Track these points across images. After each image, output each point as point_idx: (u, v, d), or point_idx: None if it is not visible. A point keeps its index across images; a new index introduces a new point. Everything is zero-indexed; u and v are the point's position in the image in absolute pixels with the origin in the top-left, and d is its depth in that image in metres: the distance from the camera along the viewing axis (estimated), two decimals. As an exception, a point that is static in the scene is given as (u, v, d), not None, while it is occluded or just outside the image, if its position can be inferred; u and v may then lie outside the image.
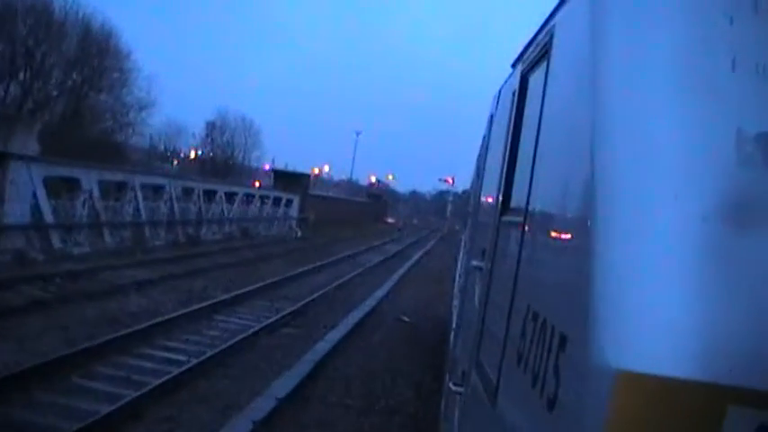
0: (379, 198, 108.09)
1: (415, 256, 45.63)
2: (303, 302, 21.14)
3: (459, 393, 4.44)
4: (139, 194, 29.50)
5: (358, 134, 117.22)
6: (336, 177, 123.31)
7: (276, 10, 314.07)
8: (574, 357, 1.82)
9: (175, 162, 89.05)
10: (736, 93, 1.86)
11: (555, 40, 2.90)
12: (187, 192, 35.79)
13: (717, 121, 1.83)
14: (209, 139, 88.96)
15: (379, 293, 24.91)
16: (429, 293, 27.12)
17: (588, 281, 1.75)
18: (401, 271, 34.43)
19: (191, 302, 19.15)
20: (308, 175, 62.36)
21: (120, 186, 28.88)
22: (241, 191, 43.41)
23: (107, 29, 50.86)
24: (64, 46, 48.06)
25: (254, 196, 45.67)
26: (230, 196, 42.27)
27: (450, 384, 4.84)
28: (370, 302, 22.47)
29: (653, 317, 1.64)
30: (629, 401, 1.58)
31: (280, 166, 66.80)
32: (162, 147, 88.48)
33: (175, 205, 33.21)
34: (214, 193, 39.14)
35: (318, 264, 32.27)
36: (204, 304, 18.96)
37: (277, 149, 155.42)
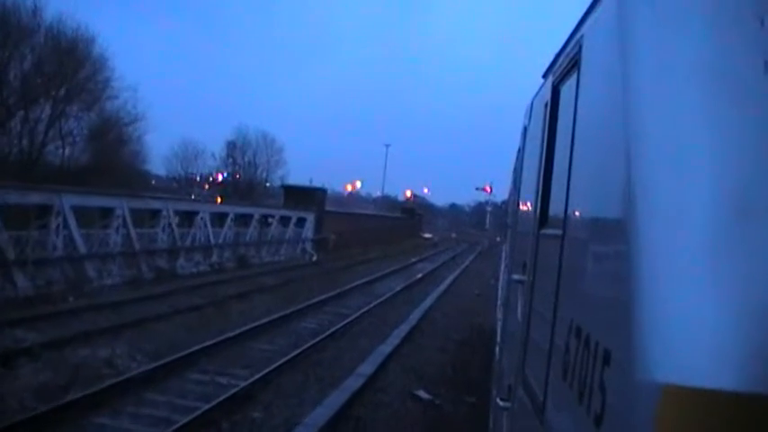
0: (412, 212, 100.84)
1: (448, 279, 37.97)
2: (252, 379, 13.60)
3: (506, 409, 4.44)
4: (71, 220, 22.19)
5: (387, 147, 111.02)
6: (370, 193, 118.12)
7: (294, 24, 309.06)
8: (618, 372, 1.79)
9: (206, 186, 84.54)
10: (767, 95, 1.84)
11: (584, 50, 2.92)
12: (155, 215, 28.57)
13: (749, 123, 1.82)
14: (230, 160, 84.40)
15: (386, 348, 17.23)
16: (462, 337, 19.53)
17: (629, 294, 1.74)
18: (427, 302, 26.79)
19: (53, 397, 11.70)
20: (324, 190, 54.77)
21: (43, 211, 21.64)
22: (232, 211, 36.00)
23: (78, 33, 44.10)
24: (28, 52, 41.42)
25: (250, 216, 38.25)
26: (220, 218, 35.00)
27: (498, 400, 4.85)
28: (365, 368, 14.83)
29: (697, 329, 1.62)
30: (676, 416, 1.55)
31: (306, 182, 59.70)
32: (179, 170, 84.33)
33: (132, 231, 25.89)
34: (194, 214, 31.80)
35: (317, 299, 24.86)
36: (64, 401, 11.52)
37: (304, 167, 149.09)
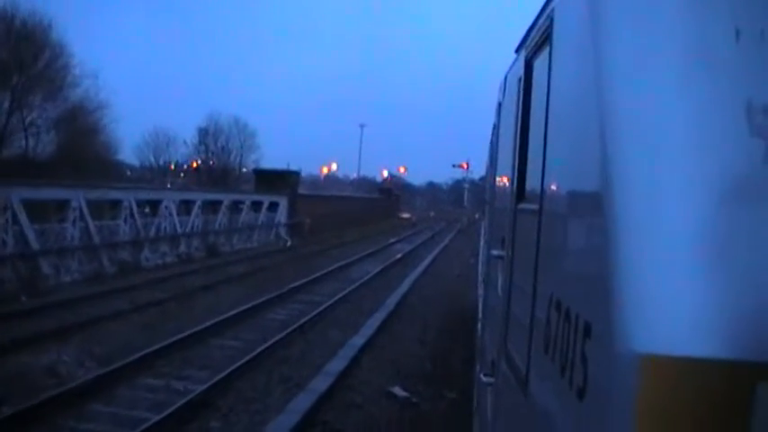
0: (389, 192, 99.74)
1: (428, 259, 36.84)
2: (211, 382, 12.33)
3: (490, 384, 4.43)
4: (21, 215, 20.71)
5: (362, 127, 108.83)
6: (347, 175, 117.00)
7: (263, 7, 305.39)
8: (599, 344, 1.80)
9: (182, 175, 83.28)
10: (741, 63, 1.84)
11: (556, 24, 2.90)
12: (115, 206, 27.05)
13: (724, 94, 1.81)
14: (203, 146, 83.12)
15: (359, 340, 15.97)
16: (441, 323, 18.37)
17: (606, 266, 1.75)
18: (404, 286, 25.59)
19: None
20: (297, 173, 53.25)
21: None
22: (198, 198, 34.47)
23: (34, 18, 42.21)
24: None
25: (220, 203, 36.73)
26: (186, 205, 33.51)
27: (481, 375, 4.85)
28: (336, 365, 13.58)
29: (674, 298, 1.62)
30: (657, 385, 1.57)
31: (283, 167, 57.93)
32: (151, 159, 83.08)
33: (90, 224, 24.41)
34: (158, 203, 30.28)
35: (289, 287, 23.59)
36: None
37: (279, 152, 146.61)
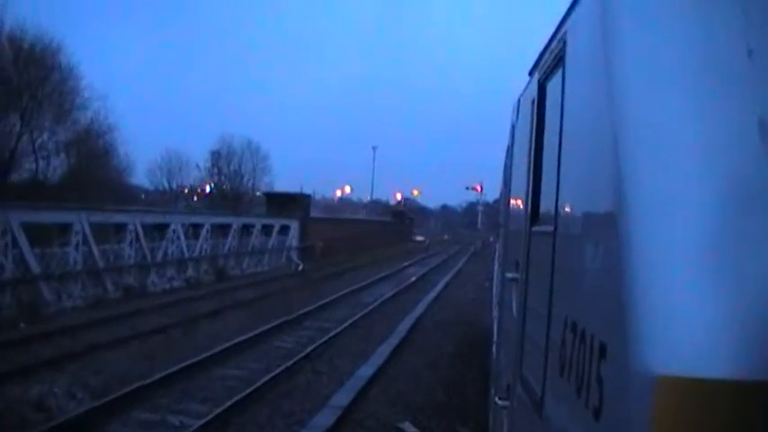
0: (403, 215, 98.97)
1: (441, 283, 36.03)
2: (208, 418, 11.55)
3: (505, 407, 4.38)
4: (21, 239, 20.09)
5: (375, 149, 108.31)
6: (361, 198, 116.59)
7: (275, 30, 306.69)
8: (615, 365, 1.80)
9: (195, 198, 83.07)
10: (754, 80, 1.85)
11: (569, 46, 2.94)
12: (120, 229, 26.39)
13: (736, 113, 1.82)
14: (216, 170, 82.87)
15: (367, 370, 15.16)
16: (455, 350, 17.58)
17: (621, 287, 1.75)
18: (417, 311, 24.80)
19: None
20: (309, 196, 52.68)
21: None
22: (207, 221, 33.81)
23: (42, 41, 41.93)
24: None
25: (229, 226, 36.06)
26: (195, 229, 32.87)
27: (496, 399, 4.83)
28: (342, 398, 12.77)
29: (689, 319, 1.62)
30: (672, 405, 1.56)
31: (296, 190, 57.21)
32: (165, 182, 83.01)
33: (94, 248, 23.76)
34: (164, 227, 29.63)
35: (298, 313, 22.85)
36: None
37: (292, 175, 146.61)
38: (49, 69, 42.58)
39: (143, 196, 76.21)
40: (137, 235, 26.69)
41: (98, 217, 24.55)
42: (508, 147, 7.40)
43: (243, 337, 18.30)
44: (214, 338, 18.22)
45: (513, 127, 6.21)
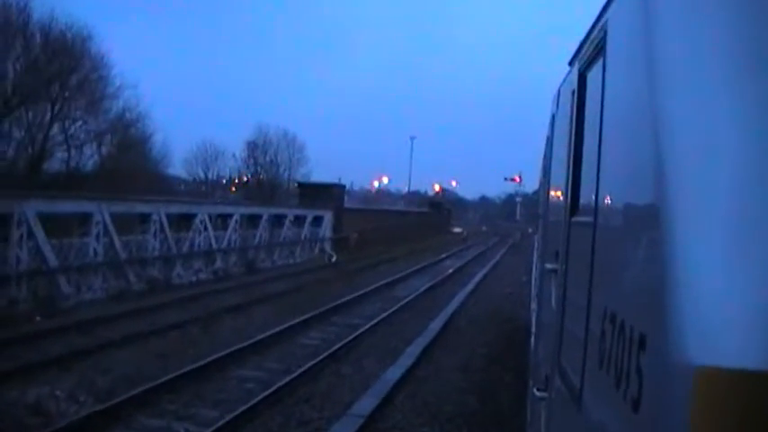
0: (440, 206, 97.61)
1: (478, 276, 34.78)
2: (218, 425, 10.56)
3: (543, 399, 4.39)
4: (37, 230, 19.29)
5: (413, 139, 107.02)
6: (399, 189, 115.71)
7: (311, 18, 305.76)
8: (654, 357, 1.77)
9: (233, 189, 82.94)
10: None
11: (609, 36, 2.92)
12: (144, 220, 25.55)
13: None
14: (252, 160, 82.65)
15: (395, 372, 14.05)
16: (490, 350, 16.43)
17: (662, 277, 1.73)
18: (451, 306, 23.63)
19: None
20: (343, 187, 51.62)
21: (2, 221, 18.75)
22: (236, 212, 32.88)
23: (73, 30, 41.41)
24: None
25: (260, 217, 35.13)
26: (223, 220, 32.01)
27: (534, 390, 4.84)
28: (365, 404, 11.68)
29: (732, 309, 1.58)
30: (714, 397, 1.52)
31: (334, 180, 56.05)
32: (200, 172, 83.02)
33: (115, 239, 22.95)
34: (192, 217, 28.75)
35: (327, 307, 21.86)
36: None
37: (329, 166, 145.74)
38: (78, 58, 41.93)
39: (182, 187, 76.13)
40: (161, 225, 25.83)
41: (119, 207, 23.72)
42: (548, 137, 7.30)
43: (266, 334, 17.34)
44: (235, 335, 17.30)
45: (552, 117, 6.17)
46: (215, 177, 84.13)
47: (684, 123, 1.85)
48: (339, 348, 16.14)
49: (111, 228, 22.60)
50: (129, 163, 50.81)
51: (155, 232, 25.61)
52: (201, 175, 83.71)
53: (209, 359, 14.37)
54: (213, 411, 11.53)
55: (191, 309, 20.97)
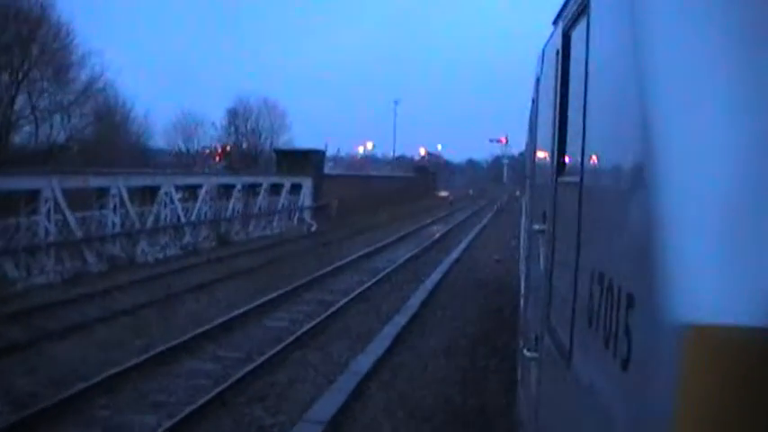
0: (425, 171, 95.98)
1: (463, 243, 33.11)
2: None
3: (534, 359, 4.37)
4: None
5: (396, 103, 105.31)
6: (385, 154, 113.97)
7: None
8: (642, 315, 1.79)
9: (218, 159, 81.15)
10: None
11: None
12: (102, 194, 23.60)
13: (766, 61, 1.78)
14: (233, 128, 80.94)
15: (366, 359, 12.37)
16: (476, 329, 14.81)
17: (648, 237, 1.74)
18: (434, 277, 21.99)
19: None
20: (322, 152, 49.44)
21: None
22: (205, 182, 30.93)
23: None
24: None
25: (232, 187, 33.22)
26: (193, 192, 30.12)
27: (525, 351, 4.82)
28: (329, 403, 10.00)
29: (717, 267, 1.60)
30: (701, 355, 1.54)
31: (320, 147, 53.95)
32: (180, 144, 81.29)
33: (69, 216, 21.07)
34: (155, 190, 26.82)
35: (300, 282, 20.20)
36: None
37: (312, 132, 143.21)
38: (35, 26, 39.65)
39: (171, 158, 74.30)
40: (121, 200, 23.93)
41: (73, 182, 21.78)
42: (533, 98, 7.18)
43: (228, 316, 15.68)
44: (194, 319, 15.61)
45: (537, 78, 6.12)
46: (196, 149, 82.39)
47: (669, 81, 1.84)
48: (307, 331, 14.47)
49: (62, 204, 20.68)
50: (105, 135, 48.95)
51: (114, 207, 23.69)
52: (182, 146, 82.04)
53: (157, 350, 12.69)
54: (151, 417, 9.88)
55: (150, 290, 19.18)
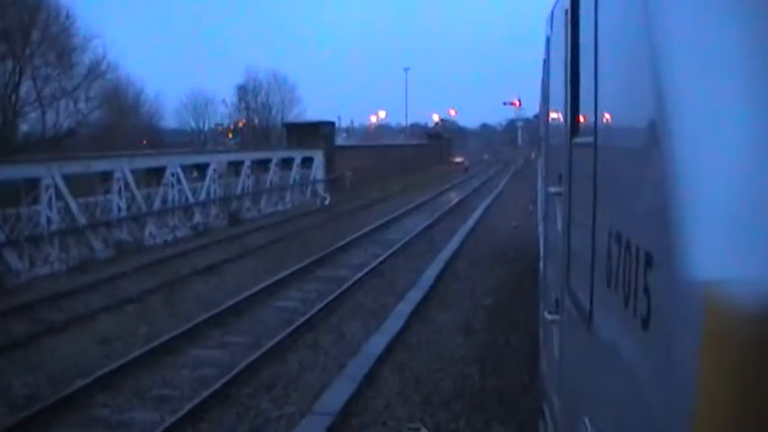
0: (439, 137, 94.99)
1: (479, 209, 32.38)
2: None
3: (554, 321, 4.36)
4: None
5: (407, 71, 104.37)
6: (399, 123, 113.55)
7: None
8: (661, 274, 1.76)
9: (230, 136, 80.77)
10: None
11: None
12: (106, 178, 22.96)
13: None
14: (243, 104, 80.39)
15: (379, 341, 11.72)
16: (495, 300, 14.15)
17: (666, 194, 1.71)
18: (450, 246, 21.31)
19: None
20: (332, 124, 48.62)
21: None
22: (212, 160, 30.22)
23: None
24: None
25: (241, 163, 32.54)
26: (201, 170, 29.47)
27: (545, 313, 4.83)
28: (340, 390, 9.36)
29: (736, 223, 1.58)
30: (722, 311, 1.51)
31: (333, 119, 52.99)
32: (191, 122, 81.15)
33: (71, 202, 20.48)
34: (161, 170, 26.17)
35: (312, 258, 19.64)
36: None
37: (323, 104, 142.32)
38: (33, 11, 38.96)
39: (187, 139, 74.09)
40: (126, 183, 23.31)
41: (73, 167, 21.14)
42: (544, 60, 7.19)
43: (237, 299, 15.10)
44: (202, 303, 15.04)
45: (548, 39, 6.04)
46: (207, 126, 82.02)
47: (682, 37, 1.79)
48: (318, 312, 13.84)
49: (64, 190, 20.08)
50: (115, 119, 48.52)
51: (119, 191, 23.08)
52: (193, 124, 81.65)
53: (162, 339, 12.12)
54: (153, 413, 9.32)
55: (159, 274, 18.61)
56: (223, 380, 10.12)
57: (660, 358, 1.74)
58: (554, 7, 5.15)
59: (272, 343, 11.80)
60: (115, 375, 10.56)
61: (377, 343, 11.40)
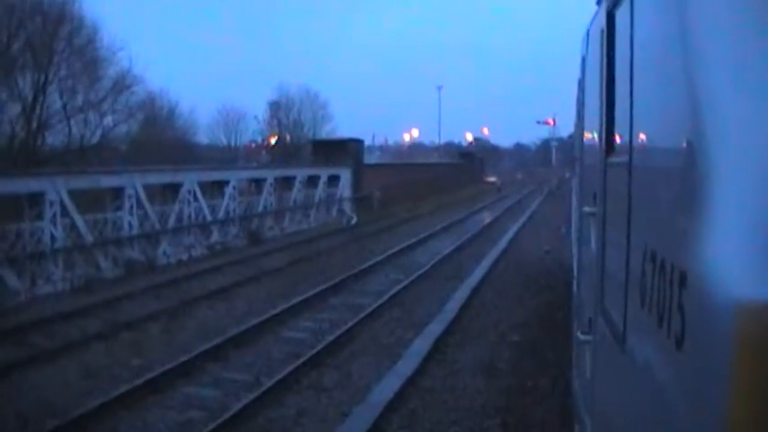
0: (472, 156, 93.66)
1: (510, 232, 30.95)
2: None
3: (588, 342, 4.34)
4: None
5: (440, 88, 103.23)
6: (432, 141, 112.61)
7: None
8: (696, 294, 1.72)
9: (263, 152, 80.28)
10: None
11: None
12: (117, 194, 21.94)
13: None
14: (275, 121, 79.79)
15: (392, 383, 10.38)
16: (523, 336, 12.83)
17: (700, 214, 1.70)
18: (477, 273, 19.92)
19: None
20: (360, 141, 47.32)
21: None
22: (232, 177, 29.10)
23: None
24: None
25: (263, 180, 31.44)
26: (220, 187, 28.38)
27: (579, 333, 4.78)
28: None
29: None
30: (757, 332, 1.47)
31: (364, 137, 51.91)
32: (222, 138, 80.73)
33: (77, 219, 19.47)
34: (177, 187, 25.12)
35: (329, 283, 18.36)
36: None
37: (355, 121, 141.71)
38: (56, 22, 38.47)
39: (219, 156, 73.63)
40: (137, 199, 22.28)
41: (80, 182, 20.15)
42: (579, 79, 7.13)
43: (243, 327, 13.93)
44: (203, 333, 13.90)
45: (583, 59, 6.07)
46: (237, 143, 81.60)
47: (717, 57, 1.79)
48: (328, 345, 12.58)
49: (70, 206, 19.07)
50: (149, 133, 48.01)
51: (131, 207, 22.06)
52: (224, 140, 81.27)
53: (152, 374, 10.95)
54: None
55: (165, 296, 17.51)
56: (210, 425, 8.91)
57: (694, 378, 1.67)
58: (589, 26, 5.19)
59: (271, 383, 10.57)
60: (91, 418, 9.39)
61: (387, 387, 10.08)
